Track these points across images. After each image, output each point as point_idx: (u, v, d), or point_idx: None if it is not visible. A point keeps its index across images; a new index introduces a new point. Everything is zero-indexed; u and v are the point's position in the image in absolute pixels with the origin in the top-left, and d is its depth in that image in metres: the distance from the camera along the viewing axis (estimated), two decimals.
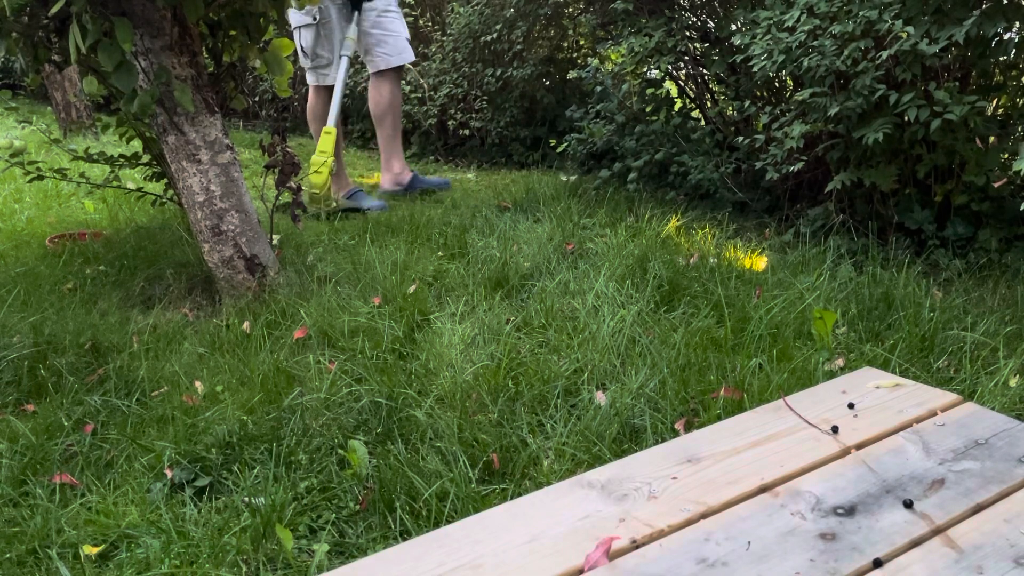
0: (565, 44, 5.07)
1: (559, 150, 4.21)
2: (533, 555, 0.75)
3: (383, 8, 3.69)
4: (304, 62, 3.72)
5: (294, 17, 3.62)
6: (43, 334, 2.08)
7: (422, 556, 0.76)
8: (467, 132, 5.02)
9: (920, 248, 2.67)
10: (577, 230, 3.01)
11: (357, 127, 5.74)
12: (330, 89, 3.72)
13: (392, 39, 3.72)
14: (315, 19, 3.57)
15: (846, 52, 2.47)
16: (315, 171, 3.41)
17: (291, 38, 3.57)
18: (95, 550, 1.34)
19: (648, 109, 3.73)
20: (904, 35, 2.36)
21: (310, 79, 3.75)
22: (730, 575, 0.72)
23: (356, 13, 3.60)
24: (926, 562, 0.73)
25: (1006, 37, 2.38)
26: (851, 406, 1.01)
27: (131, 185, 3.04)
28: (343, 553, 1.35)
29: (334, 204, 3.55)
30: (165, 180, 2.85)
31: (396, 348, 2.02)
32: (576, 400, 1.75)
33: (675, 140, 3.59)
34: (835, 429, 0.95)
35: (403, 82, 3.92)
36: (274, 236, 2.64)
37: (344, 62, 3.57)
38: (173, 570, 1.28)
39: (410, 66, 4.80)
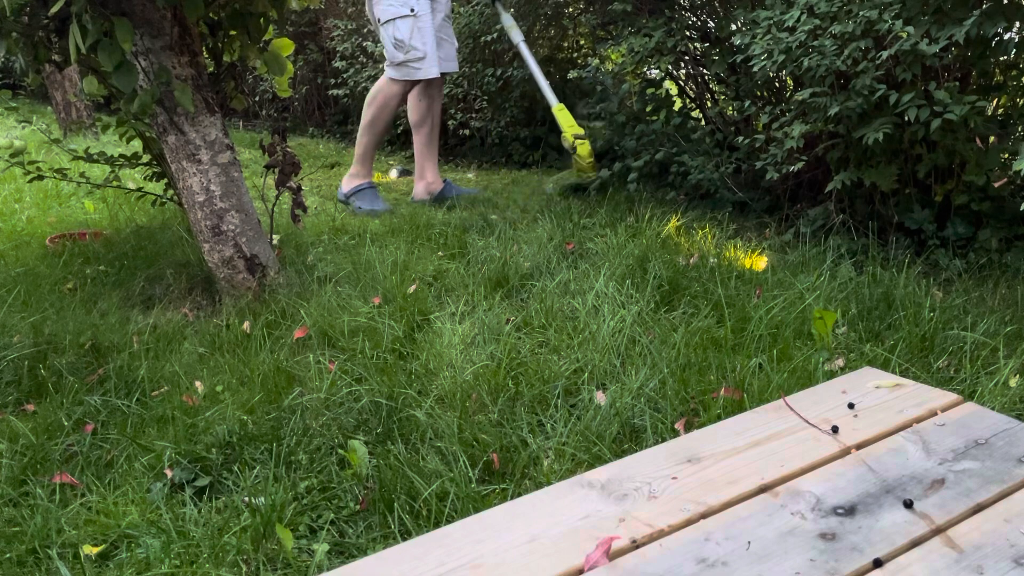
0: (565, 44, 5.07)
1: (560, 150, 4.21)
2: (533, 555, 0.75)
3: (447, 13, 3.68)
4: (394, 55, 3.57)
5: (385, 11, 3.52)
6: (43, 334, 2.08)
7: (422, 556, 0.76)
8: (467, 132, 5.02)
9: (920, 248, 2.67)
10: (577, 230, 3.01)
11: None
12: (411, 84, 3.67)
13: (449, 45, 3.70)
14: (412, 11, 3.50)
15: (846, 52, 2.47)
16: (580, 143, 3.61)
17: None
18: (95, 550, 1.34)
19: (648, 109, 3.73)
20: (904, 35, 2.36)
21: (396, 73, 3.61)
22: (730, 575, 0.72)
23: (499, 3, 3.74)
24: (926, 562, 0.73)
25: (1006, 37, 2.38)
26: (851, 406, 1.01)
27: (131, 185, 3.04)
28: (343, 553, 1.35)
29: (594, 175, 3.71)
30: (165, 180, 2.85)
31: (396, 348, 2.02)
32: (576, 400, 1.75)
33: (675, 140, 3.59)
34: (835, 429, 0.95)
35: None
36: (274, 236, 2.64)
37: (524, 47, 3.74)
38: (173, 570, 1.28)
39: None
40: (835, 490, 0.84)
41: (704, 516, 0.80)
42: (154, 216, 3.23)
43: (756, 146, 3.14)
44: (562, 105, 3.66)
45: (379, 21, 3.61)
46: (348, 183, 3.79)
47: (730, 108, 3.69)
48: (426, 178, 3.84)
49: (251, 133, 6.21)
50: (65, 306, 2.31)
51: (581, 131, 3.66)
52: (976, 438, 0.93)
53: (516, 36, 3.80)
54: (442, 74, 3.70)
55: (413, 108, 3.79)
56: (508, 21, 3.81)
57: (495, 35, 4.62)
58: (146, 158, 2.85)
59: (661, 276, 2.32)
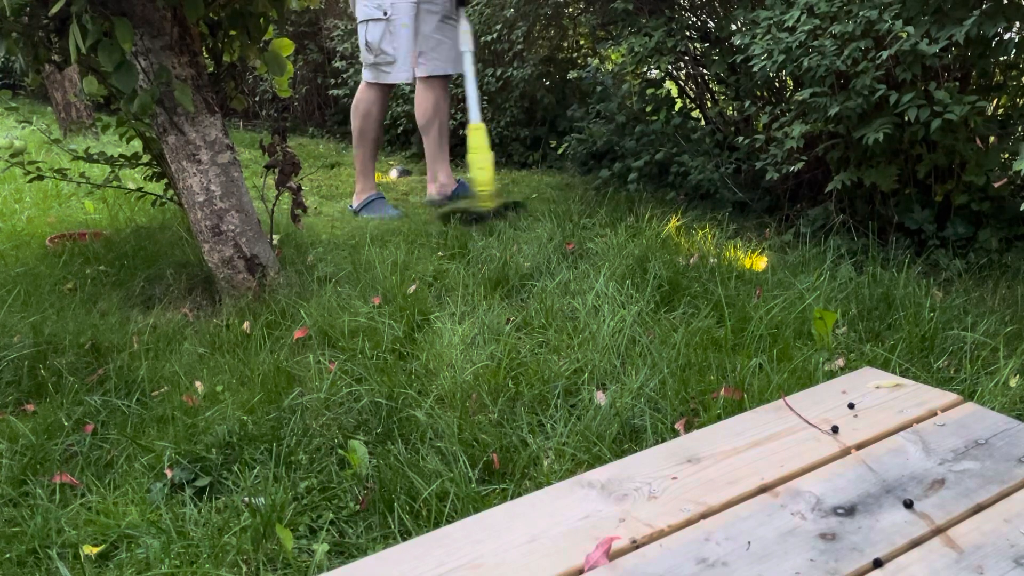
0: (565, 44, 5.07)
1: (560, 151, 4.21)
2: (533, 555, 0.75)
3: (445, 14, 3.61)
4: (366, 57, 3.59)
5: (360, 11, 3.53)
6: (43, 334, 2.08)
7: (422, 556, 0.76)
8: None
9: (920, 248, 2.67)
10: (577, 230, 3.01)
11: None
12: (387, 88, 3.65)
13: (449, 46, 3.63)
14: (385, 14, 3.48)
15: (846, 52, 2.47)
16: (479, 168, 3.33)
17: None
18: (95, 550, 1.34)
19: (648, 109, 3.73)
20: (904, 35, 2.36)
21: (368, 75, 3.63)
22: (730, 575, 0.72)
23: (461, 8, 3.55)
24: (926, 562, 0.73)
25: (1006, 37, 2.38)
26: (851, 406, 1.01)
27: (131, 185, 3.04)
28: (343, 553, 1.35)
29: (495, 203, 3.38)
30: (165, 180, 2.85)
31: (396, 348, 2.02)
32: (576, 400, 1.75)
33: (675, 140, 3.59)
34: (835, 429, 0.95)
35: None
36: (274, 236, 2.64)
37: (468, 57, 3.49)
38: (173, 570, 1.28)
39: None
40: (835, 490, 0.84)
41: (704, 516, 0.80)
42: (154, 216, 3.23)
43: (756, 146, 3.14)
44: (482, 124, 3.42)
45: (357, 20, 3.61)
46: (356, 199, 3.77)
47: (730, 108, 3.69)
48: (439, 180, 3.79)
49: (251, 133, 6.21)
50: (65, 306, 2.31)
51: (488, 155, 3.34)
52: (976, 438, 0.93)
53: (466, 43, 3.54)
54: (441, 76, 3.65)
55: (419, 111, 3.75)
56: (464, 25, 3.57)
57: (495, 35, 4.62)
58: (146, 158, 2.85)
59: (661, 276, 2.32)
